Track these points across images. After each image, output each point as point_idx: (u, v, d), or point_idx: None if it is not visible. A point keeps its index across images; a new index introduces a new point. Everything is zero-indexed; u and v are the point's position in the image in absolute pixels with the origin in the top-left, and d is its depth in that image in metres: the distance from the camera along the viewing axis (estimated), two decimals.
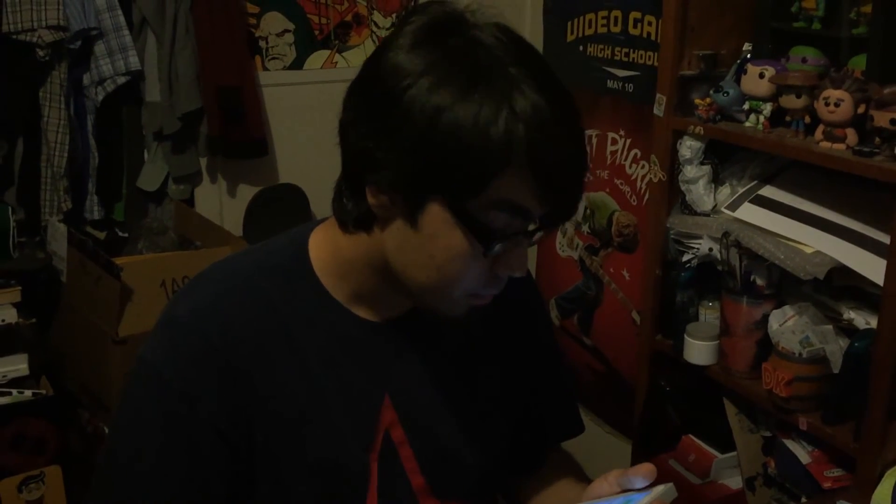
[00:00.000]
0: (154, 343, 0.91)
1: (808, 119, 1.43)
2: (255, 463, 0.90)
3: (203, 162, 2.45)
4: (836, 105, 1.35)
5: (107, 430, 2.08)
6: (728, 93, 1.53)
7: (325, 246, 0.94)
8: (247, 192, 2.53)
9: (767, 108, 1.49)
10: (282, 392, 0.90)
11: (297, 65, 2.51)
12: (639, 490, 0.86)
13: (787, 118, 1.46)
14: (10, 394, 1.73)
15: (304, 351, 0.91)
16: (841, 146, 1.36)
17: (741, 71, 1.53)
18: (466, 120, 0.76)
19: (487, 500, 1.09)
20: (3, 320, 1.88)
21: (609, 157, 2.26)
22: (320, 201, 1.00)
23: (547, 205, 0.81)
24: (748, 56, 1.56)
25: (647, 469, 0.86)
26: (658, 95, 1.65)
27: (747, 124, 1.53)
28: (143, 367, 0.90)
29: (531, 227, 0.83)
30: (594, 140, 2.30)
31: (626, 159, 2.21)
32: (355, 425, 0.93)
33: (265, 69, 2.46)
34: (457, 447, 0.99)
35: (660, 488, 0.84)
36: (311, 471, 0.91)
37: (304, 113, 2.48)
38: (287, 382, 0.90)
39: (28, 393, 1.75)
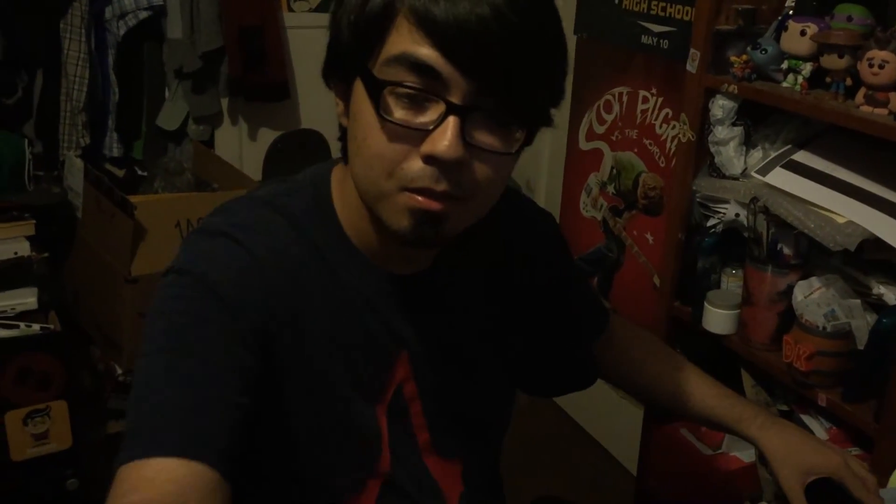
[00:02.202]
0: (193, 254, 0.84)
1: (849, 81, 1.35)
2: (273, 398, 0.85)
3: (224, 103, 2.41)
4: (881, 67, 1.27)
5: (118, 368, 2.08)
6: (766, 50, 1.46)
7: (339, 184, 0.89)
8: (267, 136, 2.49)
9: (807, 69, 1.41)
10: (307, 330, 0.86)
11: (324, 7, 2.45)
12: None
13: (827, 80, 1.38)
14: (17, 327, 1.72)
15: (327, 298, 0.87)
16: (883, 111, 1.29)
17: (781, 28, 1.45)
18: None
19: (489, 460, 1.07)
20: (15, 253, 1.87)
21: (639, 115, 2.19)
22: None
23: (459, 70, 0.73)
24: (790, 12, 1.48)
25: None
26: (692, 51, 1.58)
27: (784, 85, 1.45)
28: (183, 278, 0.82)
29: (452, 101, 0.74)
30: (624, 97, 2.22)
31: (656, 119, 2.14)
32: (371, 378, 0.90)
33: (290, 10, 2.41)
34: (464, 407, 0.97)
35: None
36: (325, 424, 0.88)
37: None
38: (313, 325, 0.86)
39: (36, 327, 1.74)
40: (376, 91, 0.75)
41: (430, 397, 0.94)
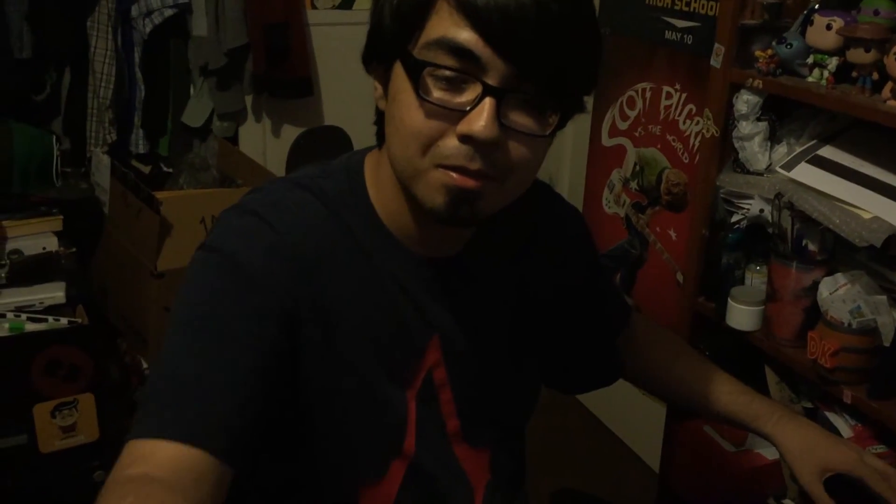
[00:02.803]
0: (224, 231, 0.86)
1: (876, 76, 1.34)
2: (298, 375, 0.85)
3: (248, 100, 2.43)
4: None
5: (144, 362, 2.10)
6: (791, 45, 1.45)
7: (373, 169, 0.91)
8: (291, 133, 2.51)
9: (833, 63, 1.40)
10: (336, 310, 0.86)
11: (347, 4, 2.46)
12: None
13: (854, 74, 1.37)
14: (45, 320, 1.75)
15: (359, 280, 0.88)
16: None
17: (807, 22, 1.43)
18: None
19: (515, 451, 1.07)
20: (43, 248, 1.90)
21: (663, 111, 2.18)
22: (364, 145, 0.96)
23: (498, 54, 0.74)
24: (815, 6, 1.46)
25: None
26: (716, 46, 1.57)
27: (810, 79, 1.44)
28: (212, 255, 0.84)
29: (491, 83, 0.75)
30: (647, 93, 2.22)
31: (680, 115, 2.13)
32: (401, 362, 0.91)
33: (314, 7, 2.42)
34: (494, 396, 0.98)
35: None
36: (350, 397, 0.88)
37: (352, 54, 2.41)
38: (342, 306, 0.87)
39: (63, 321, 1.76)
40: (416, 72, 0.77)
41: (461, 384, 0.94)
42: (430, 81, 0.77)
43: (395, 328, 0.90)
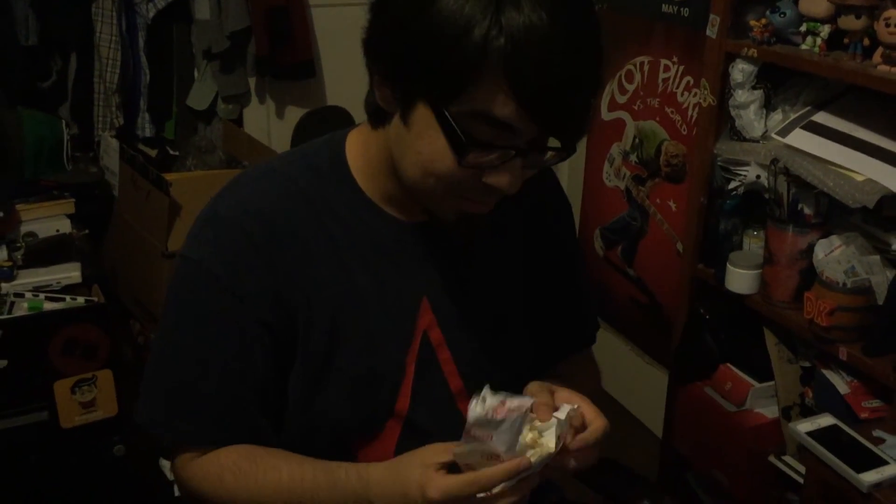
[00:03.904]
0: (197, 240, 0.93)
1: (867, 42, 1.38)
2: (296, 359, 0.93)
3: (252, 82, 2.46)
4: None
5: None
6: (785, 13, 1.48)
7: (358, 145, 0.95)
8: (295, 114, 2.54)
9: (825, 30, 1.44)
10: (321, 291, 0.92)
11: None
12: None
13: (845, 41, 1.41)
14: (63, 300, 1.79)
15: (342, 251, 0.93)
16: None
17: None
18: (450, 13, 0.75)
19: None
20: (57, 230, 1.94)
21: (661, 84, 2.21)
22: None
23: (537, 125, 0.79)
24: None
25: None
26: (712, 16, 1.60)
27: (803, 47, 1.48)
28: (189, 264, 0.93)
29: (521, 146, 0.81)
30: (646, 67, 2.25)
31: (677, 87, 2.16)
32: (394, 326, 0.95)
33: None
34: (493, 351, 1.01)
35: (563, 411, 0.84)
36: (347, 370, 0.94)
37: (353, 35, 2.42)
38: (326, 282, 0.92)
39: (80, 300, 1.80)
40: (453, 135, 0.80)
41: (459, 345, 0.98)
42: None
43: (385, 295, 0.94)
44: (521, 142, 0.81)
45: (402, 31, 0.79)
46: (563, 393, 0.88)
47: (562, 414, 0.84)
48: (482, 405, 0.79)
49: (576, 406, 0.86)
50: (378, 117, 0.90)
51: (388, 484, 0.86)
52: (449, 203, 0.87)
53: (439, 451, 0.84)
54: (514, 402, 0.80)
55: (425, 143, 0.82)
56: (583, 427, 0.87)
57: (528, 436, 0.82)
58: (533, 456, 0.82)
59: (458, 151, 0.80)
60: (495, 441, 0.80)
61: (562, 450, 0.84)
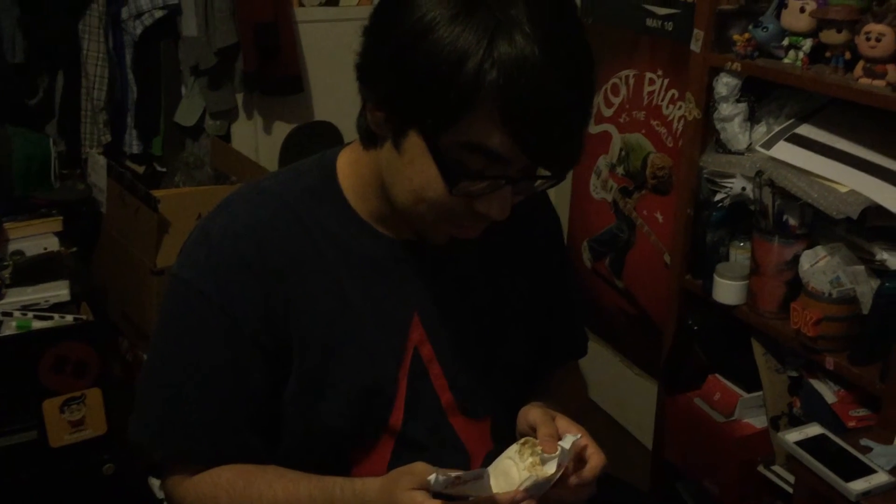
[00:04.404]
0: (189, 261, 0.94)
1: (848, 55, 1.40)
2: (290, 376, 0.94)
3: (239, 98, 2.47)
4: (878, 40, 1.31)
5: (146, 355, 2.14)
6: (767, 28, 1.50)
7: (350, 165, 0.96)
8: (282, 129, 2.54)
9: (807, 44, 1.46)
10: (315, 309, 0.93)
11: (334, 1, 2.51)
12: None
13: (827, 54, 1.43)
14: (51, 318, 1.78)
15: (334, 269, 0.94)
16: (881, 83, 1.33)
17: (781, 5, 1.49)
18: (444, 45, 0.76)
19: (513, 418, 1.11)
20: (45, 248, 1.94)
21: (646, 97, 2.23)
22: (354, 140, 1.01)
23: (528, 156, 0.80)
24: None
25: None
26: (695, 31, 1.63)
27: (786, 61, 1.50)
28: (181, 284, 0.93)
29: (512, 175, 0.82)
30: (631, 80, 2.27)
31: (663, 100, 2.18)
32: (385, 343, 0.96)
33: (301, 5, 2.46)
34: (484, 365, 1.02)
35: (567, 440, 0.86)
36: (341, 386, 0.95)
37: (340, 50, 2.48)
38: (319, 300, 0.93)
39: (69, 318, 1.80)
40: (444, 165, 0.81)
41: (450, 360, 0.99)
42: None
43: (376, 312, 0.96)
44: (512, 171, 0.82)
45: (396, 62, 0.79)
46: (563, 422, 0.90)
47: (566, 444, 0.86)
48: (438, 485, 0.79)
49: (579, 436, 0.87)
50: (370, 139, 0.91)
51: (382, 501, 0.86)
52: (439, 228, 0.89)
53: (431, 473, 0.85)
54: (470, 475, 0.81)
55: (417, 171, 0.83)
56: (582, 458, 0.88)
57: (528, 460, 0.84)
58: (529, 481, 0.83)
59: (450, 180, 0.81)
60: (468, 493, 0.82)
61: (558, 483, 0.85)
